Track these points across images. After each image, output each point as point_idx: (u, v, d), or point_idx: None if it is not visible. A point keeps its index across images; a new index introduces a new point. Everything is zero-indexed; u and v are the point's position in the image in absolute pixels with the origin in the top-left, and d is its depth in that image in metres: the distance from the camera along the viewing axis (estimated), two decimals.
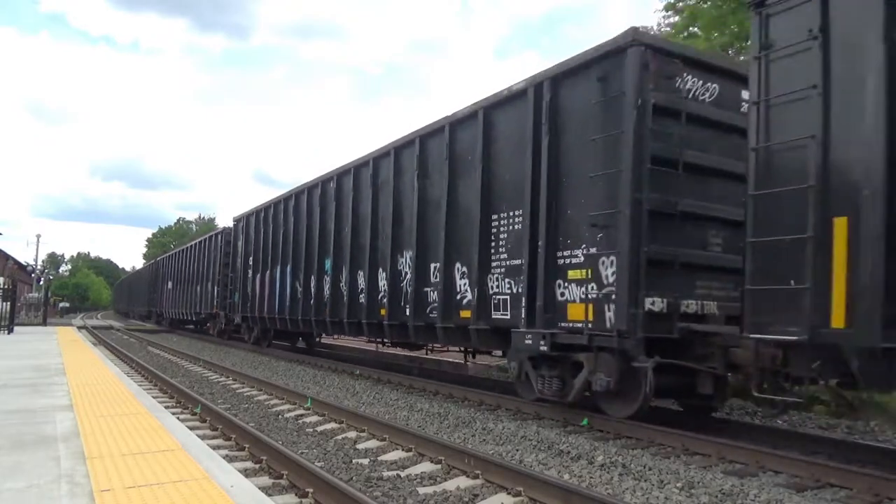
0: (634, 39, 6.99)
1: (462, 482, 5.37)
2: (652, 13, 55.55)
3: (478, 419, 8.15)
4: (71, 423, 5.55)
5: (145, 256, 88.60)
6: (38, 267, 54.71)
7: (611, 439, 7.07)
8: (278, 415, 8.68)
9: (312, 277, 14.58)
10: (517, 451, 6.48)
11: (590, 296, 7.25)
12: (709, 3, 14.70)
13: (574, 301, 7.47)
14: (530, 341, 7.76)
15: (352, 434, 7.33)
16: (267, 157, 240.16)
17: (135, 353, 17.78)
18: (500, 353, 10.23)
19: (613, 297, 6.93)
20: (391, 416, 8.38)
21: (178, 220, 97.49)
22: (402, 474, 5.60)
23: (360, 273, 12.36)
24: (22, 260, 58.08)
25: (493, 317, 8.79)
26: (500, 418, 8.25)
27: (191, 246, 29.99)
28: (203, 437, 6.22)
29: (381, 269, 11.67)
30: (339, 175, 13.55)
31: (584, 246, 7.40)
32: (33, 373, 9.47)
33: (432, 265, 10.10)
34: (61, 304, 68.10)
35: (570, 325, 7.48)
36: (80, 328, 30.49)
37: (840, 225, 5.13)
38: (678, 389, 7.41)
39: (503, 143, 8.91)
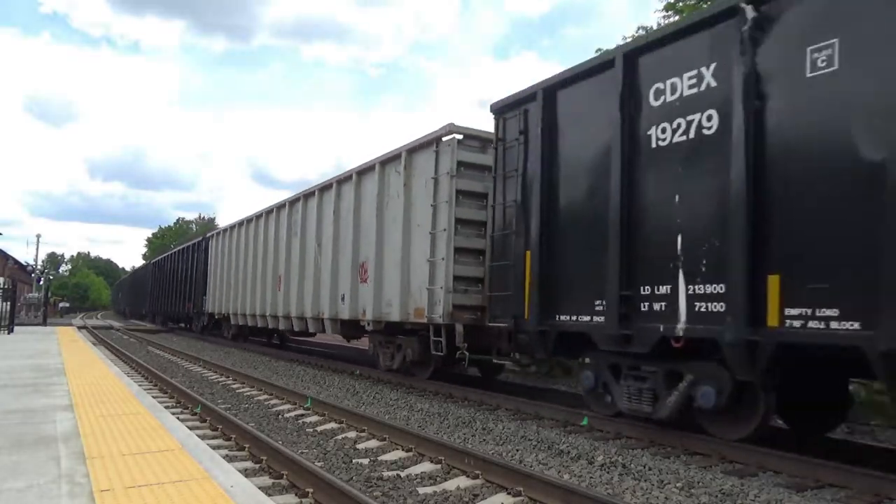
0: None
1: (462, 482, 5.36)
2: (652, 13, 55.61)
3: (478, 419, 8.14)
4: (71, 423, 5.54)
5: (145, 256, 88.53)
6: (38, 267, 54.67)
7: (611, 439, 7.07)
8: (278, 415, 8.67)
9: None
10: (517, 451, 6.47)
11: None
12: (708, 3, 14.71)
13: None
14: None
15: (352, 434, 7.32)
16: (267, 157, 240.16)
17: (135, 353, 17.77)
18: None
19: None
20: (391, 416, 8.37)
21: (178, 220, 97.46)
22: (402, 474, 5.60)
23: None
24: (22, 260, 58.11)
25: None
26: (500, 418, 8.25)
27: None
28: (203, 437, 6.22)
29: None
30: None
31: None
32: (33, 372, 9.46)
33: None
34: (61, 304, 68.05)
35: None
36: (80, 328, 30.47)
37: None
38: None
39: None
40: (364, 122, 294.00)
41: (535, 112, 8.14)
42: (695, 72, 6.25)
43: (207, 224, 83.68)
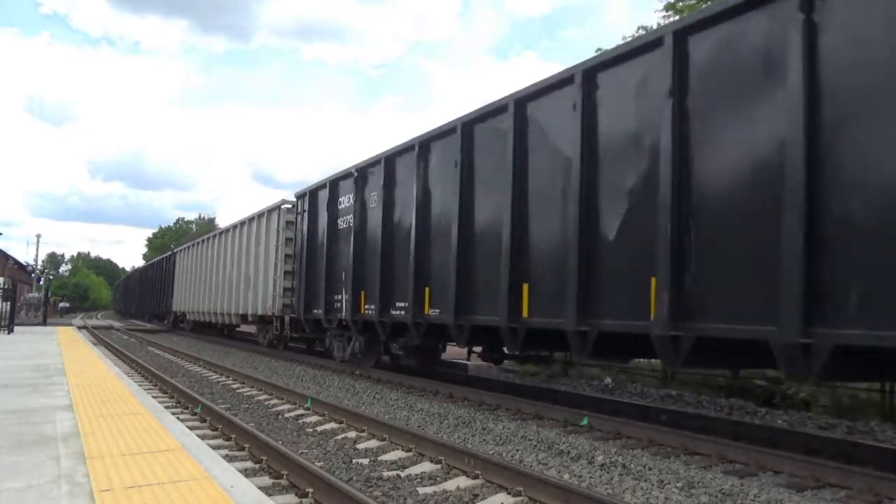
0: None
1: (462, 482, 5.36)
2: (652, 13, 55.57)
3: (478, 419, 8.14)
4: (71, 422, 5.54)
5: (145, 256, 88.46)
6: (38, 267, 54.66)
7: (611, 439, 7.07)
8: (278, 415, 8.67)
9: None
10: (517, 450, 6.47)
11: None
12: (707, 3, 14.72)
13: None
14: None
15: (352, 434, 7.32)
16: (267, 157, 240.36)
17: (135, 353, 17.77)
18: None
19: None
20: (391, 416, 8.37)
21: (178, 221, 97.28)
22: (402, 474, 5.60)
23: None
24: (22, 260, 58.08)
25: None
26: (500, 418, 8.25)
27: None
28: (203, 437, 6.22)
29: None
30: None
31: None
32: (33, 372, 9.46)
33: None
34: (61, 304, 68.00)
35: None
36: (80, 328, 30.46)
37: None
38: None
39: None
40: (364, 121, 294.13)
41: (305, 201, 14.91)
42: (349, 195, 12.67)
43: (208, 224, 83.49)
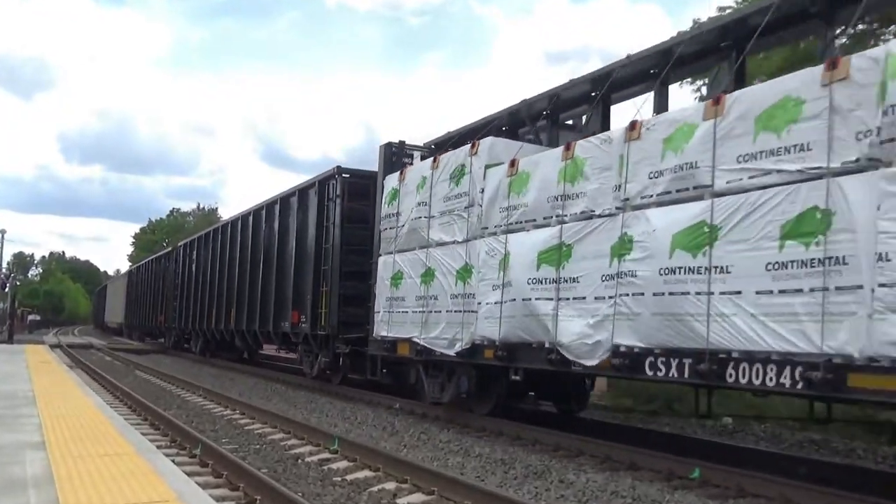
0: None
1: None
2: None
3: (553, 468, 8.09)
4: (43, 464, 5.71)
5: (131, 257, 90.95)
6: (3, 270, 56.82)
7: (731, 497, 6.94)
8: (297, 458, 8.79)
9: None
10: None
11: None
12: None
13: None
14: None
15: (390, 485, 7.36)
16: (279, 131, 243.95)
17: (119, 379, 18.29)
18: None
19: None
20: (440, 463, 8.39)
21: (172, 212, 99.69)
22: None
23: None
24: None
25: None
26: (582, 468, 8.17)
27: None
28: (204, 486, 6.34)
29: None
30: None
31: None
32: None
33: None
34: (31, 317, 70.61)
35: None
36: (53, 347, 31.56)
37: None
38: None
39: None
40: (402, 84, 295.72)
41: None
42: None
43: (207, 216, 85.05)
